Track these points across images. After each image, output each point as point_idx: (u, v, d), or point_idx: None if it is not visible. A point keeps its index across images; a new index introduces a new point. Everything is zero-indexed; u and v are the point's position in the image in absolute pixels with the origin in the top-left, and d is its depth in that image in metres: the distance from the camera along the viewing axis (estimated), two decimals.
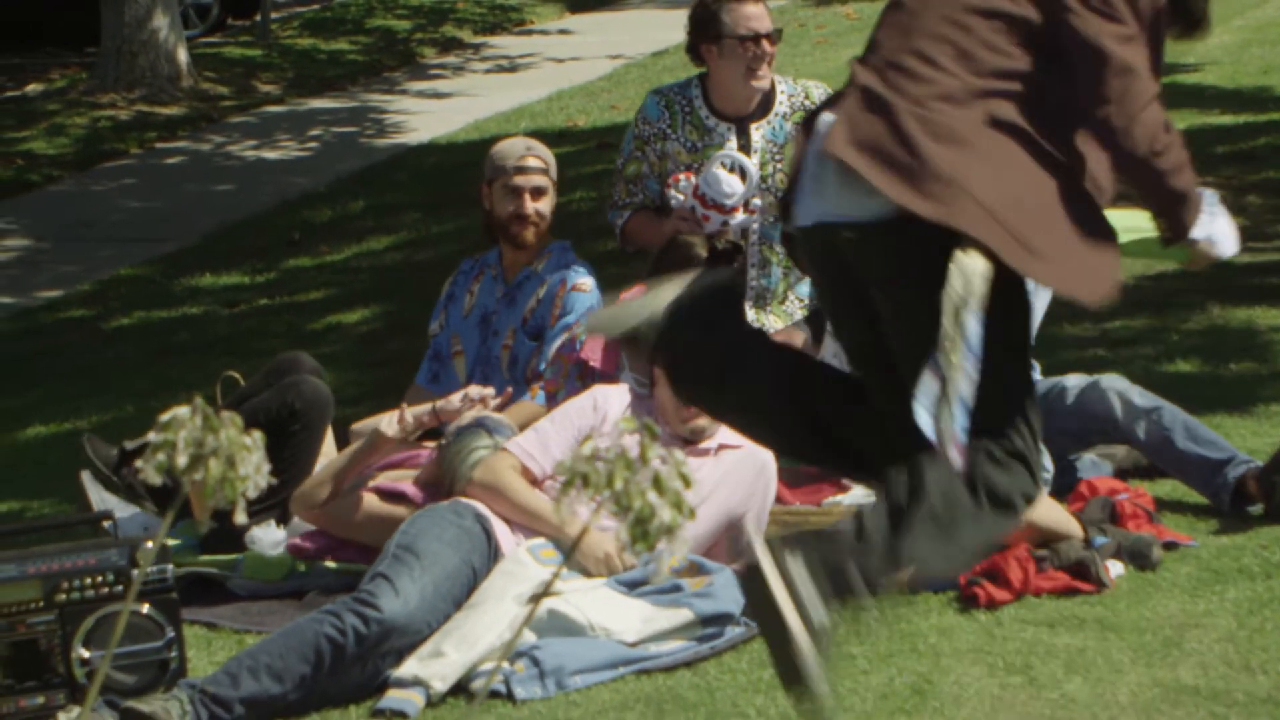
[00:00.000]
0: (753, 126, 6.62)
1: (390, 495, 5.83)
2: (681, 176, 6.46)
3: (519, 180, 6.38)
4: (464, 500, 5.52)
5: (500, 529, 5.43)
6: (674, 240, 6.27)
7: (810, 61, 14.81)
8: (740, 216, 6.43)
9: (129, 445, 6.13)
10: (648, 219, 6.66)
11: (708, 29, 6.63)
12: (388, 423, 5.81)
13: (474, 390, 5.87)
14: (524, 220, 6.39)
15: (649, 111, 6.69)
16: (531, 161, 6.41)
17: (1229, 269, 8.50)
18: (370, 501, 5.82)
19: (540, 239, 6.44)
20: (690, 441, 5.60)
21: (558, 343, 6.27)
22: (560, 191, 6.62)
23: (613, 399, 5.71)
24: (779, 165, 6.58)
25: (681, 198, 6.40)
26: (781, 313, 6.64)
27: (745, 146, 6.63)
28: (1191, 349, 7.49)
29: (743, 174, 6.44)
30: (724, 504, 5.55)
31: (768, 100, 6.65)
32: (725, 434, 5.65)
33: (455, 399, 5.83)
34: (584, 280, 6.37)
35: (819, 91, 6.70)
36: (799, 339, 6.42)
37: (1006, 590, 5.32)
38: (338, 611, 5.06)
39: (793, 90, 6.69)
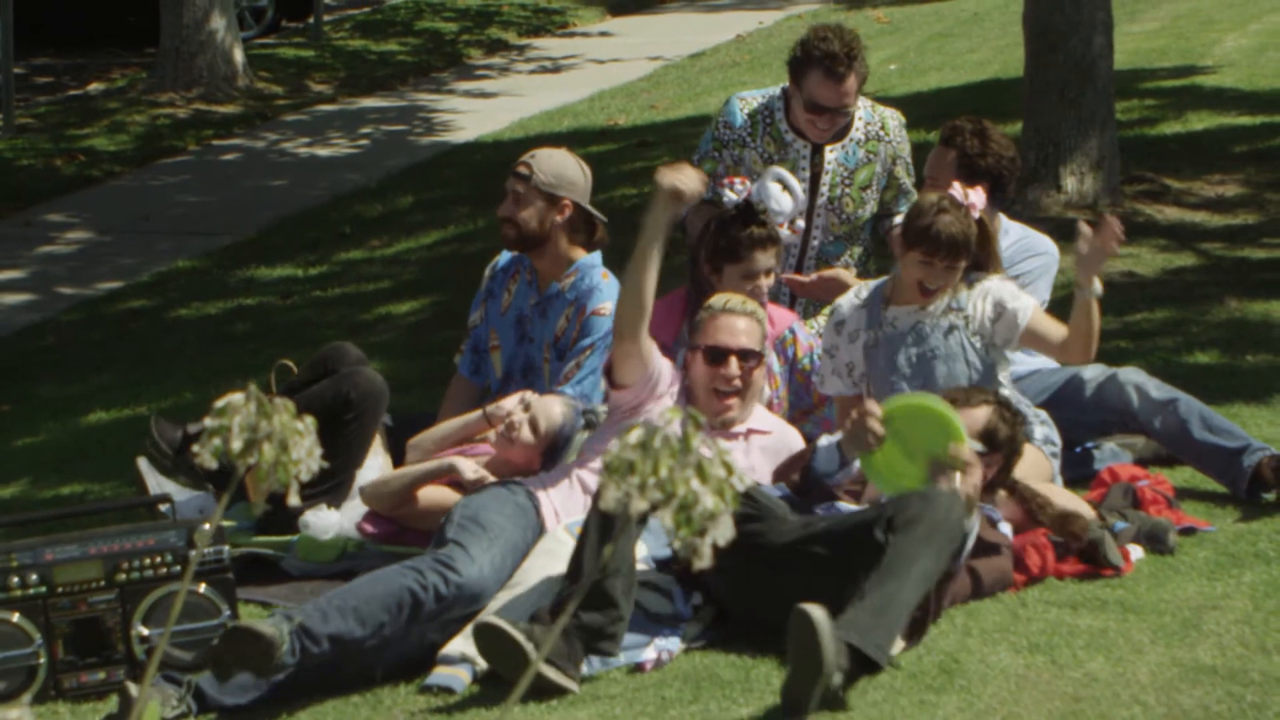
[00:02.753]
0: (827, 148, 6.67)
1: (458, 486, 5.89)
2: (737, 180, 6.42)
3: (508, 184, 6.40)
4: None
5: (546, 507, 5.57)
6: (711, 225, 6.27)
7: None
8: (783, 234, 6.46)
9: (192, 429, 6.24)
10: (705, 211, 6.72)
11: (796, 70, 6.62)
12: (470, 469, 5.86)
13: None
14: (501, 221, 6.41)
15: (733, 118, 6.71)
16: (519, 168, 6.38)
17: (1247, 264, 8.58)
18: (438, 493, 5.90)
19: (524, 243, 6.35)
20: (720, 427, 5.69)
21: (572, 363, 6.25)
22: (601, 189, 6.61)
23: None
24: (846, 189, 6.64)
25: (735, 197, 6.44)
26: None
27: (818, 166, 6.69)
28: (1210, 341, 7.56)
29: (793, 195, 6.49)
30: None
31: (845, 125, 6.68)
32: (754, 420, 5.80)
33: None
34: (604, 305, 6.27)
35: (894, 123, 6.74)
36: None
37: (1023, 574, 5.42)
38: (420, 568, 5.17)
39: (870, 118, 6.72)
